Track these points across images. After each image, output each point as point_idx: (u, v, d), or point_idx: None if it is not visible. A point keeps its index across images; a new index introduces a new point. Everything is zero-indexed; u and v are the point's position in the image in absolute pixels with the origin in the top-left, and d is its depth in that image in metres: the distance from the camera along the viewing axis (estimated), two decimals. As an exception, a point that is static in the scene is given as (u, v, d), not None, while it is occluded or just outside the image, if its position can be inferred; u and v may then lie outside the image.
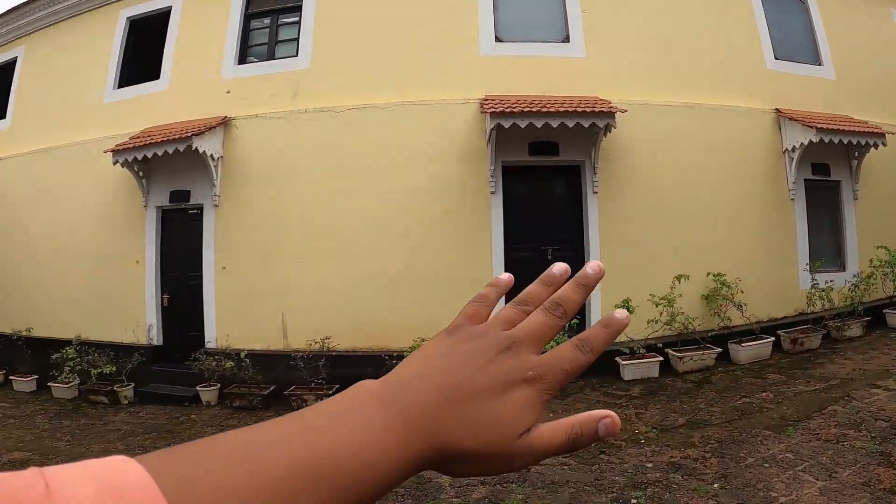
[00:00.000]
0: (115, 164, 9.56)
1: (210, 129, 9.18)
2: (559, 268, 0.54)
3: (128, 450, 6.99)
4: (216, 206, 9.54)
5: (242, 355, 8.53)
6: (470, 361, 0.45)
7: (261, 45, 10.20)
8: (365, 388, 0.46)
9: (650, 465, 4.90)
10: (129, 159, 9.43)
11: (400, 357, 7.81)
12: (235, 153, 9.56)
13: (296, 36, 9.78)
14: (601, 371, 7.77)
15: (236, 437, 0.38)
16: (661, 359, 7.99)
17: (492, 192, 8.66)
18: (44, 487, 0.28)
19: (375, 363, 8.11)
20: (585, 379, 7.54)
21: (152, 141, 9.11)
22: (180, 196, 9.93)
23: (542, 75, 8.99)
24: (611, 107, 8.14)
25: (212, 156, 9.29)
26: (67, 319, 10.79)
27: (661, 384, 7.41)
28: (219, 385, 8.78)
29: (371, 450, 0.39)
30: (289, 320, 9.08)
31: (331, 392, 8.05)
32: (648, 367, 7.86)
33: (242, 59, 10.14)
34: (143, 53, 11.22)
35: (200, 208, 9.75)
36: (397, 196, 8.79)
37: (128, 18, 11.34)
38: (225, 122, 9.54)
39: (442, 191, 8.75)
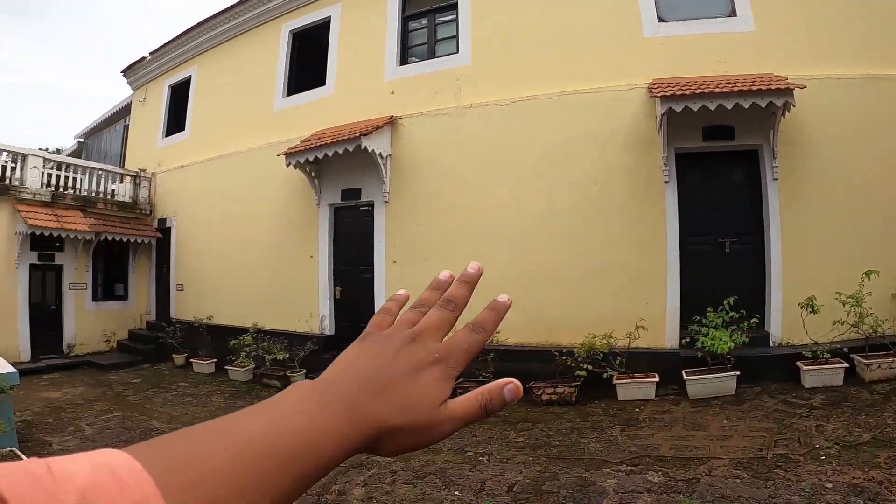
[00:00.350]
0: (287, 165, 10.25)
1: (377, 128, 9.52)
2: (444, 274, 0.62)
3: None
4: (386, 202, 9.91)
5: None
6: (383, 356, 0.52)
7: (420, 45, 10.44)
8: (304, 385, 0.52)
9: (829, 485, 4.40)
10: (301, 161, 10.06)
11: (570, 353, 7.77)
12: (403, 151, 9.87)
13: (454, 33, 9.92)
14: (780, 377, 7.15)
15: (206, 425, 0.45)
16: (846, 365, 6.96)
17: (665, 182, 8.23)
18: (46, 466, 0.33)
19: (545, 358, 8.15)
20: (763, 384, 7.04)
21: (323, 143, 9.61)
22: (351, 194, 10.41)
23: (709, 54, 8.44)
24: (788, 83, 7.42)
25: (380, 154, 9.64)
26: (246, 309, 11.67)
27: (844, 394, 6.57)
28: None
29: (315, 429, 0.46)
30: None
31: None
32: (832, 374, 6.94)
33: (404, 60, 10.42)
34: (307, 62, 11.88)
35: (371, 205, 10.18)
36: (564, 188, 8.65)
37: (290, 32, 12.10)
38: (391, 122, 9.87)
39: (611, 181, 8.47)
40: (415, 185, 9.71)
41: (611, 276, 8.33)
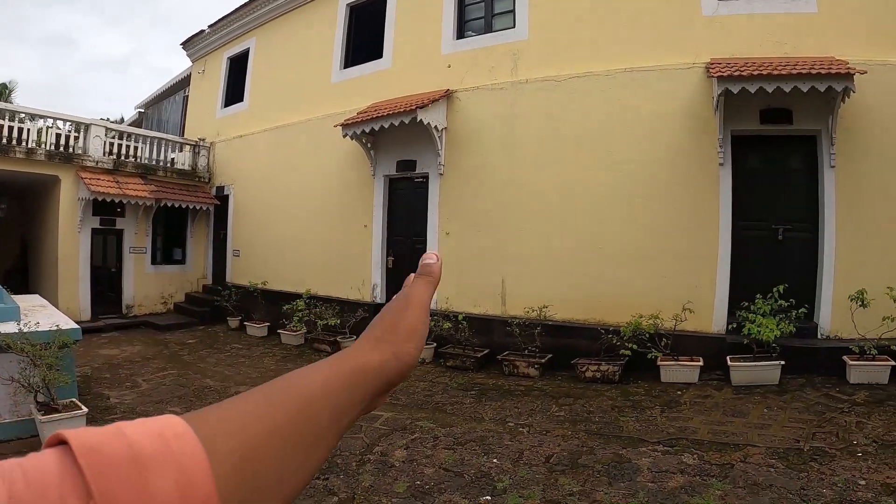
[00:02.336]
0: (344, 136, 10.49)
1: (433, 101, 9.65)
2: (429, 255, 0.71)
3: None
4: (441, 174, 10.07)
5: (460, 318, 8.89)
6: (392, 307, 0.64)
7: (477, 19, 10.42)
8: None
9: (863, 482, 4.36)
10: (358, 132, 10.26)
11: (616, 331, 7.86)
12: (458, 124, 9.98)
13: (511, 8, 9.90)
14: (825, 370, 7.01)
15: (269, 384, 0.50)
16: (893, 364, 6.76)
17: (720, 164, 8.11)
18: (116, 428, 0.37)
19: (591, 335, 8.25)
20: (807, 377, 6.95)
21: (379, 114, 9.76)
22: (407, 165, 10.60)
23: (769, 35, 8.21)
24: (848, 68, 7.19)
25: (436, 127, 9.79)
26: (299, 276, 12.06)
27: (889, 393, 6.43)
28: (435, 344, 9.24)
29: (361, 359, 0.56)
30: (508, 287, 9.40)
31: (543, 360, 8.25)
32: (878, 371, 6.75)
33: (460, 34, 10.45)
34: (364, 35, 12.01)
35: (426, 177, 10.34)
36: (618, 166, 8.64)
37: (347, 4, 12.24)
38: (447, 95, 9.99)
39: (665, 161, 8.40)
40: (469, 158, 9.82)
41: (660, 257, 8.31)
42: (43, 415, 5.68)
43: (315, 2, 13.02)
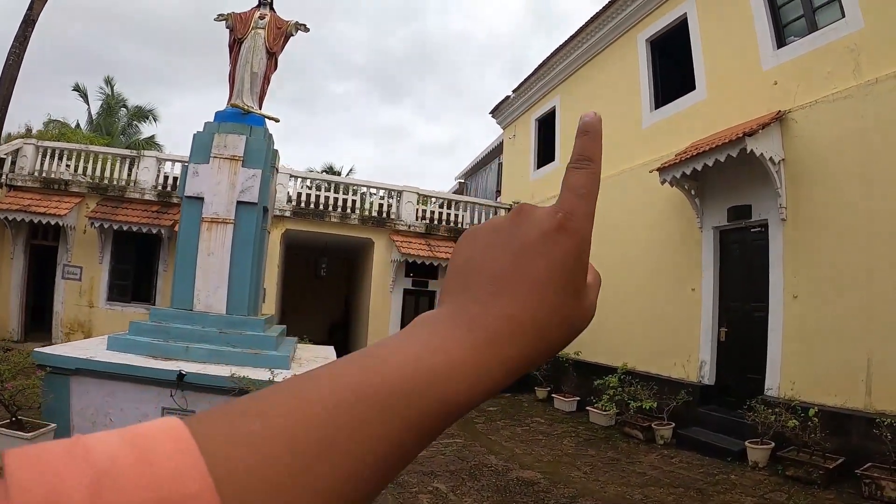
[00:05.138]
0: (662, 183, 9.27)
1: (763, 126, 7.73)
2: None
3: (645, 501, 6.09)
4: (783, 220, 7.89)
5: (811, 413, 6.60)
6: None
7: (796, 19, 8.37)
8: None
9: None
10: (678, 175, 8.94)
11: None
12: (797, 153, 7.86)
13: (833, -6, 7.61)
14: None
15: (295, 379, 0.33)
16: None
17: None
18: (76, 443, 0.27)
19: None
20: None
21: (699, 151, 8.32)
22: (739, 212, 8.68)
23: None
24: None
25: (771, 159, 7.81)
26: (615, 346, 10.84)
27: None
28: (772, 444, 7.05)
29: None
30: (874, 369, 6.64)
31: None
32: None
33: (780, 42, 8.51)
34: (670, 70, 11.06)
35: (764, 225, 8.25)
36: None
37: (646, 40, 11.45)
38: (779, 117, 7.99)
39: None
40: (817, 195, 7.52)
41: None
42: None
43: (611, 46, 12.53)
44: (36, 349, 6.24)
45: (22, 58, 10.67)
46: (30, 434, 5.46)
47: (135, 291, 12.92)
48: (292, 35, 7.99)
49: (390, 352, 0.34)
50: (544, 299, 0.37)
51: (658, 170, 9.21)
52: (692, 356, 9.23)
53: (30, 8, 10.68)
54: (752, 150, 7.60)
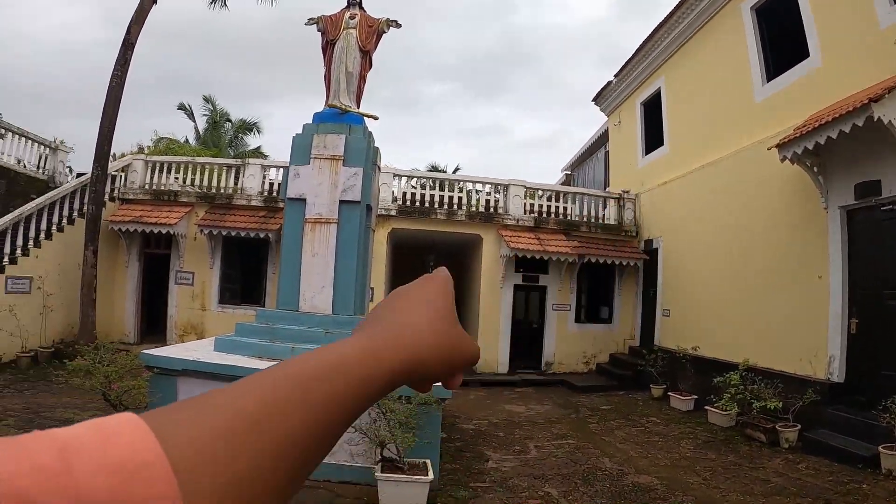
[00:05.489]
0: (782, 160, 8.58)
1: (889, 90, 6.84)
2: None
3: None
4: (918, 195, 6.92)
5: None
6: None
7: None
8: None
9: None
10: (799, 151, 8.19)
11: None
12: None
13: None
14: None
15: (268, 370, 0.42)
16: None
17: None
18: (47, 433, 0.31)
19: None
20: None
21: (820, 123, 7.60)
22: (868, 189, 7.77)
23: None
24: None
25: (900, 126, 6.93)
26: (736, 341, 10.15)
27: None
28: None
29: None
30: None
31: None
32: None
33: None
34: (780, 38, 10.18)
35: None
36: None
37: (752, 9, 10.66)
38: (905, 79, 7.08)
39: None
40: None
41: None
42: (382, 471, 5.32)
43: (715, 19, 11.76)
44: (143, 351, 6.42)
45: (124, 79, 11.53)
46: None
47: (245, 294, 13.54)
48: (384, 32, 7.99)
49: (313, 353, 0.43)
50: (421, 318, 0.50)
51: (777, 146, 8.48)
52: (819, 351, 8.38)
53: (128, 32, 11.56)
54: (878, 118, 6.77)
